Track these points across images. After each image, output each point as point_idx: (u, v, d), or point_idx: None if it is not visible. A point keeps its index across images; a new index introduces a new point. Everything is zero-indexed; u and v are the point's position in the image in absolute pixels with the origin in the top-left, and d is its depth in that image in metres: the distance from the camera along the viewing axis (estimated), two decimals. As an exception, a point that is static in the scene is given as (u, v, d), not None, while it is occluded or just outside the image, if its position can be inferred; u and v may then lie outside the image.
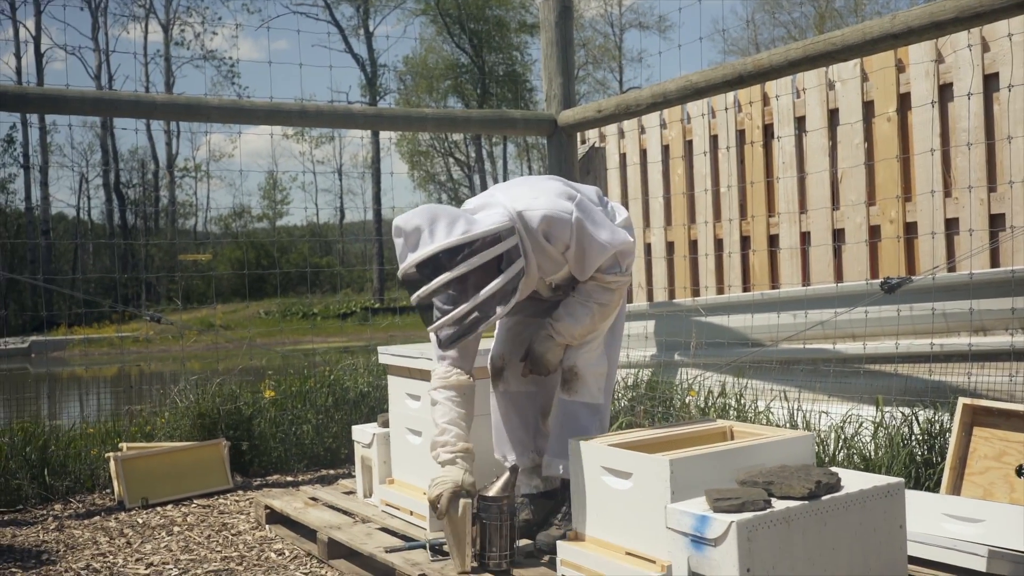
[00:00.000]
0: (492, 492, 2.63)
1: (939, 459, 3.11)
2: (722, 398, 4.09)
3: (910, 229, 4.04)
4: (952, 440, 2.96)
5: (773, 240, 4.68)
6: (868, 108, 4.23)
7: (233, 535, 3.57)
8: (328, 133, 36.73)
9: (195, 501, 4.15)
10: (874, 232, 4.19)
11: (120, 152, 36.44)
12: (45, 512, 4.03)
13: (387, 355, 3.42)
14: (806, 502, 2.08)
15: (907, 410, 3.34)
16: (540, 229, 2.63)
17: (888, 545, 2.20)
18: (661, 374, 4.73)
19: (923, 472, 3.12)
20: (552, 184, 2.77)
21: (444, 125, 7.04)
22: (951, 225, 3.88)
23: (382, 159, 34.09)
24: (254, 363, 6.28)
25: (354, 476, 3.71)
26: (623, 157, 5.63)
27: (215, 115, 4.62)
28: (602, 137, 5.74)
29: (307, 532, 3.39)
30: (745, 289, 4.78)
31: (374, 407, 4.79)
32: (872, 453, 3.30)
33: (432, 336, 2.75)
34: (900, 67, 4.08)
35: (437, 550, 2.81)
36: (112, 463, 4.13)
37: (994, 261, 3.71)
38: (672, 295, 5.26)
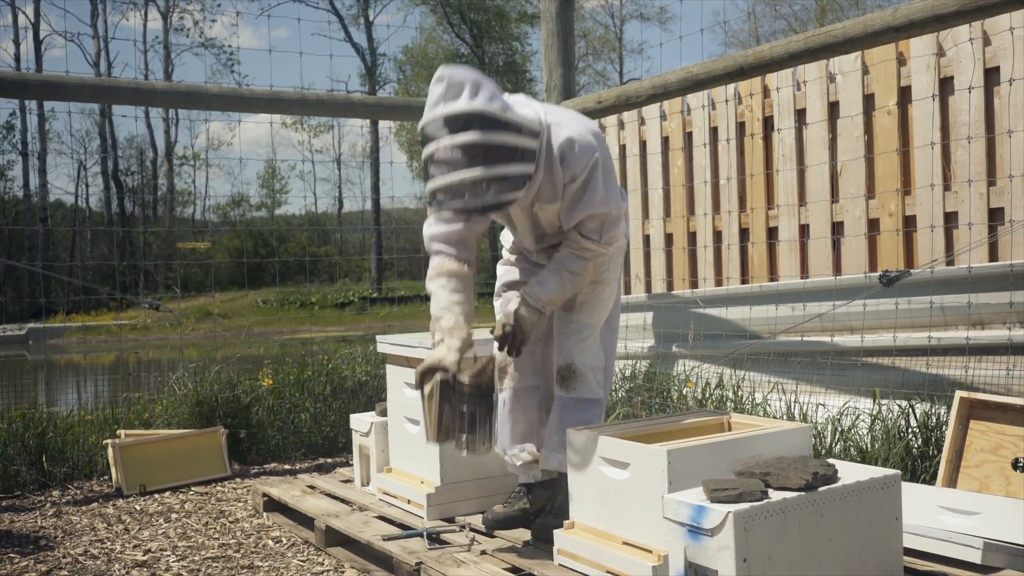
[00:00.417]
0: (464, 377, 2.58)
1: (935, 452, 3.12)
2: (719, 390, 4.10)
3: (909, 222, 4.04)
4: (949, 433, 2.97)
5: (772, 232, 4.68)
6: (869, 101, 4.22)
7: (231, 522, 3.58)
8: (327, 122, 36.69)
9: (193, 488, 4.16)
10: (873, 225, 4.19)
11: (118, 140, 36.38)
12: (43, 498, 4.04)
13: (385, 344, 3.43)
14: (803, 493, 2.09)
15: (904, 403, 3.35)
16: (560, 147, 2.60)
17: (884, 537, 2.21)
18: (659, 365, 4.73)
19: (919, 465, 3.13)
20: (589, 121, 2.76)
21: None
22: (950, 219, 3.88)
23: (381, 149, 34.05)
24: (252, 351, 6.28)
25: (352, 465, 3.72)
26: (623, 148, 5.62)
27: (215, 103, 4.61)
28: (602, 128, 5.73)
29: (305, 520, 3.40)
30: (744, 281, 4.78)
31: (372, 396, 4.80)
32: (869, 446, 3.31)
33: (430, 223, 2.75)
34: (901, 60, 4.08)
35: (434, 538, 2.82)
36: (110, 450, 4.13)
37: (993, 255, 3.71)
38: (670, 287, 5.26)
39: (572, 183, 2.63)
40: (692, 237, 5.15)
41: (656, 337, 5.03)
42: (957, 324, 3.67)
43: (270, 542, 3.30)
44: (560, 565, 2.51)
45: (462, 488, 3.10)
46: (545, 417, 2.94)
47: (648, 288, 5.40)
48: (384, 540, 2.84)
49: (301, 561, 3.06)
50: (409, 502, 3.15)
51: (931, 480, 3.03)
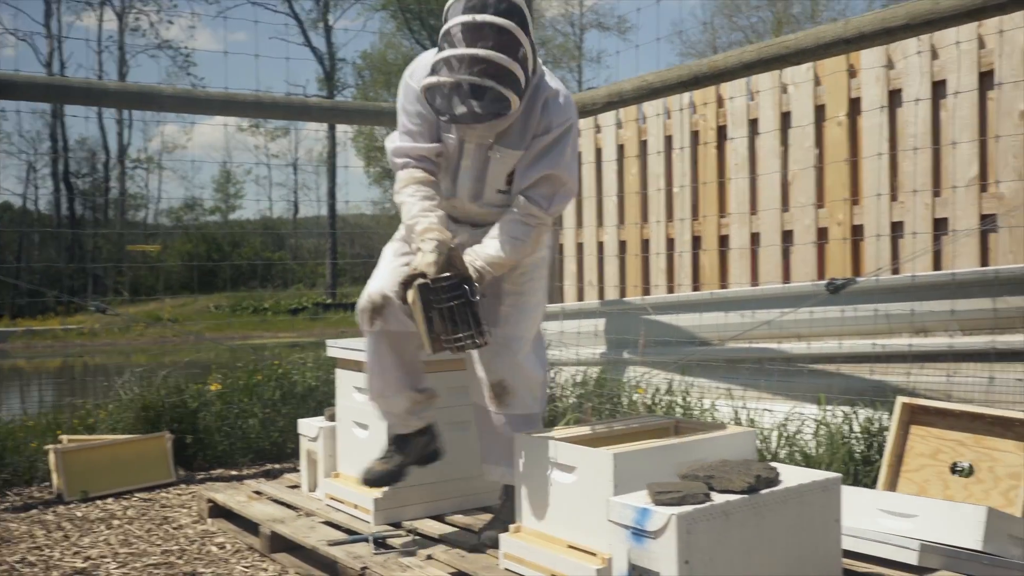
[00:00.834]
0: (430, 276, 2.46)
1: (877, 456, 3.16)
2: (669, 396, 4.12)
3: (857, 231, 4.10)
4: (890, 438, 3.01)
5: (724, 240, 4.73)
6: (820, 112, 4.28)
7: (174, 529, 3.52)
8: (283, 126, 36.39)
9: (136, 494, 4.09)
10: (822, 234, 4.25)
11: (70, 142, 35.75)
12: (-19, 504, 3.94)
13: (336, 348, 3.40)
14: (745, 496, 2.10)
15: (848, 409, 3.39)
16: (546, 95, 2.58)
17: (824, 538, 2.23)
18: (610, 372, 4.75)
19: (862, 469, 3.17)
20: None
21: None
22: (896, 228, 3.95)
23: (338, 154, 33.84)
24: (201, 357, 6.20)
25: (300, 470, 3.68)
26: (578, 156, 5.64)
27: (168, 104, 4.54)
28: (557, 135, 5.74)
29: (250, 526, 3.35)
30: (695, 288, 4.82)
31: (322, 401, 4.76)
32: (814, 450, 3.34)
33: (393, 139, 2.74)
34: (852, 72, 4.14)
35: (380, 543, 2.80)
36: (51, 455, 4.05)
37: (937, 264, 3.78)
38: (623, 293, 5.28)
39: (544, 135, 2.58)
40: (645, 244, 5.18)
41: (608, 343, 5.04)
42: (901, 331, 3.73)
43: (214, 548, 3.25)
44: (506, 570, 2.50)
45: (409, 493, 3.08)
46: (420, 361, 2.86)
47: (601, 294, 5.42)
48: (329, 545, 2.81)
49: (245, 567, 3.01)
50: (356, 507, 3.13)
51: (873, 484, 3.07)
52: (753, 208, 4.58)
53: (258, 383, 4.86)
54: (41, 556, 3.18)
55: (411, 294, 2.47)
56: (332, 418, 3.44)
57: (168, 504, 3.92)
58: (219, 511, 3.60)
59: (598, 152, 5.49)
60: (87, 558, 3.15)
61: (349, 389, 3.29)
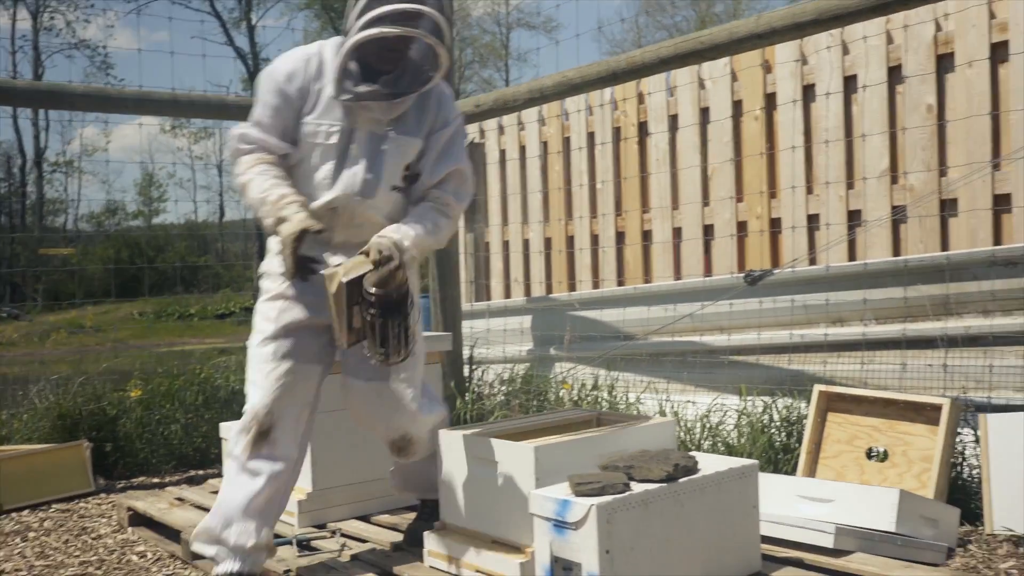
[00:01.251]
0: (371, 285, 2.29)
1: (797, 444, 3.22)
2: (595, 391, 4.15)
3: (775, 224, 4.18)
4: (808, 425, 3.08)
5: (647, 235, 4.78)
6: (737, 107, 4.35)
7: (93, 539, 3.43)
8: (208, 127, 35.72)
9: (54, 505, 3.97)
10: (742, 227, 4.32)
11: (-17, 146, 34.63)
12: None
13: (255, 349, 3.34)
14: (664, 484, 2.12)
15: (768, 399, 3.45)
16: (438, 87, 2.52)
17: (743, 524, 2.27)
18: (536, 368, 4.76)
19: (782, 457, 3.23)
20: None
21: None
22: (813, 220, 4.03)
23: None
24: (121, 364, 6.05)
25: (223, 476, 3.61)
26: (503, 153, 5.66)
27: (80, 103, 4.42)
28: (482, 133, 5.75)
29: (172, 533, 3.28)
30: (620, 283, 4.86)
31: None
32: (736, 440, 3.40)
33: (243, 126, 2.48)
34: (767, 68, 4.22)
35: (305, 545, 2.76)
36: (-38, 467, 3.91)
37: (851, 255, 3.87)
38: (549, 290, 5.30)
39: (444, 128, 2.53)
40: (571, 240, 5.21)
41: (535, 340, 5.06)
42: (818, 322, 3.81)
43: (134, 557, 3.17)
44: (430, 567, 2.49)
45: (334, 494, 3.05)
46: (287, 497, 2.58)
47: (527, 291, 5.43)
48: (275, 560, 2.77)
49: (166, 575, 2.95)
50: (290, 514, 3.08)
51: (793, 471, 3.13)
52: (675, 203, 4.63)
53: (180, 388, 4.76)
54: (-49, 572, 3.08)
55: (334, 287, 2.28)
56: (254, 421, 3.38)
57: (87, 514, 3.81)
58: (140, 519, 3.51)
59: (522, 149, 5.51)
60: (1, 572, 3.05)
61: (271, 391, 3.23)
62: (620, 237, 4.93)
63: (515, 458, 2.31)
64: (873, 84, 3.78)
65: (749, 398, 3.52)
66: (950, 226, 3.59)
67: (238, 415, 4.51)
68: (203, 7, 33.61)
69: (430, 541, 2.52)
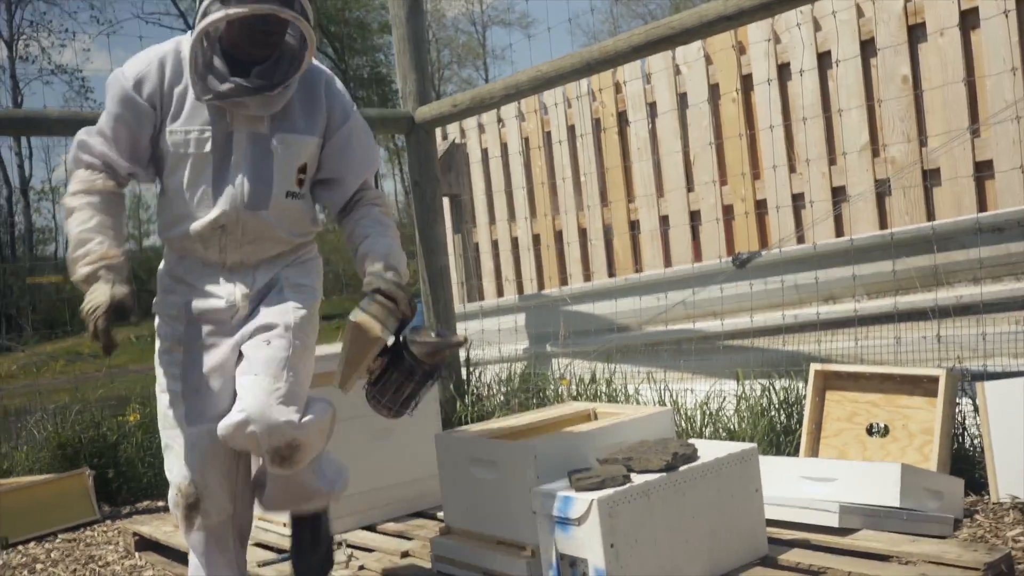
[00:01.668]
0: (418, 348, 2.12)
1: (798, 425, 3.22)
2: (593, 384, 4.15)
3: (761, 206, 4.18)
4: (807, 405, 3.08)
5: (634, 225, 4.78)
6: (714, 90, 4.35)
7: (101, 567, 3.42)
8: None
9: (59, 536, 3.95)
10: (728, 211, 4.32)
11: (-33, 178, 34.53)
12: None
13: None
14: (664, 474, 2.12)
15: (765, 381, 3.45)
16: (323, 78, 2.26)
17: (746, 509, 2.27)
18: (533, 366, 4.76)
19: (784, 439, 3.23)
20: None
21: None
22: (797, 199, 4.03)
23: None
24: (117, 388, 6.02)
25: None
26: (484, 152, 5.65)
27: (57, 128, 4.40)
28: (463, 133, 5.74)
29: (179, 556, 3.27)
30: (610, 275, 4.86)
31: (246, 422, 4.67)
32: (736, 426, 3.40)
33: (89, 131, 2.20)
34: (741, 49, 4.22)
35: (310, 559, 2.75)
36: (-36, 504, 3.89)
37: (839, 232, 3.88)
38: (541, 286, 5.30)
39: (347, 122, 2.26)
40: (559, 235, 5.20)
41: (530, 338, 5.06)
42: (810, 301, 3.81)
43: (142, 582, 3.17)
44: (439, 573, 2.49)
45: (340, 506, 3.03)
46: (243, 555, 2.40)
47: (520, 289, 5.43)
48: (260, 566, 2.77)
49: (175, 598, 2.95)
50: (285, 525, 3.07)
51: (796, 453, 3.13)
52: (659, 190, 4.63)
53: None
54: (-41, 610, 3.06)
55: (368, 337, 2.07)
56: (253, 438, 3.38)
57: (93, 542, 3.80)
58: (147, 544, 3.50)
59: (503, 146, 5.50)
60: (9, 607, 3.04)
61: (268, 407, 3.23)
62: (608, 229, 4.93)
63: (514, 457, 2.31)
64: (847, 58, 3.78)
65: (747, 382, 3.52)
66: (934, 196, 3.59)
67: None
68: (175, 24, 33.47)
69: (437, 545, 2.52)
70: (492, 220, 5.64)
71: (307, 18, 2.08)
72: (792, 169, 4.05)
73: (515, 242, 5.49)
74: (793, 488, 2.61)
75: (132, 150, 2.18)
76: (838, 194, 3.89)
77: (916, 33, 3.62)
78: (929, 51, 3.57)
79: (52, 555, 3.67)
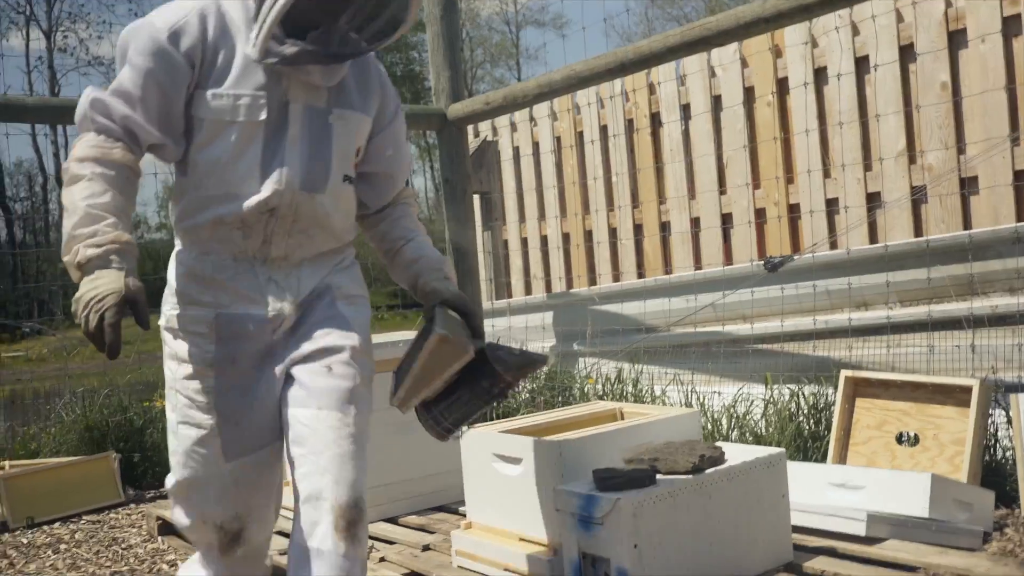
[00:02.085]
0: (503, 366, 1.95)
1: (826, 432, 3.19)
2: (619, 384, 4.13)
3: (794, 210, 4.15)
4: (836, 412, 3.04)
5: (665, 226, 4.75)
6: (749, 93, 4.31)
7: (124, 549, 3.45)
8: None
9: (84, 517, 3.99)
10: (760, 215, 4.29)
11: (5, 165, 35.00)
12: (-79, 538, 3.83)
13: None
14: (690, 476, 2.10)
15: (794, 386, 3.42)
16: (372, 60, 2.01)
17: (772, 515, 2.24)
18: (560, 364, 4.75)
19: (811, 445, 3.20)
20: None
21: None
22: (831, 205, 3.99)
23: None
24: (145, 375, 6.09)
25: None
26: (516, 150, 5.64)
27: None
28: (495, 131, 5.74)
29: (201, 541, 3.29)
30: (640, 276, 4.83)
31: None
32: (763, 430, 3.37)
33: (97, 90, 1.81)
34: (777, 52, 4.18)
35: (332, 550, 2.76)
36: (-7, 483, 3.94)
37: (872, 238, 3.83)
38: (569, 285, 5.29)
39: (397, 114, 2.05)
40: (588, 235, 5.19)
41: (556, 336, 5.04)
42: (841, 307, 3.77)
43: (164, 566, 3.19)
44: (459, 567, 2.48)
45: (360, 497, 3.04)
46: None
47: (548, 287, 5.42)
48: (280, 555, 2.77)
49: (196, 583, 2.96)
50: (307, 515, 3.08)
51: (823, 459, 3.10)
52: (691, 192, 4.60)
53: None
54: (-15, 587, 3.10)
55: (458, 353, 1.91)
56: (278, 427, 3.39)
57: (117, 525, 3.83)
58: (170, 528, 3.53)
59: (535, 145, 5.49)
60: (33, 586, 3.07)
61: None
62: (638, 229, 4.90)
63: (540, 454, 2.30)
64: (885, 63, 3.73)
65: (775, 386, 3.49)
66: (971, 204, 3.54)
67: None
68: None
69: (458, 540, 2.51)
70: (522, 218, 5.63)
71: None
72: (827, 174, 4.01)
73: (544, 240, 5.48)
74: (820, 495, 2.57)
75: (164, 116, 1.80)
76: (873, 200, 3.84)
77: (956, 39, 3.57)
78: (970, 58, 3.52)
79: (76, 536, 3.71)
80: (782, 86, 4.17)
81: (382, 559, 2.64)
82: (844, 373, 3.07)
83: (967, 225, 3.53)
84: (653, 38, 3.77)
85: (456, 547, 2.51)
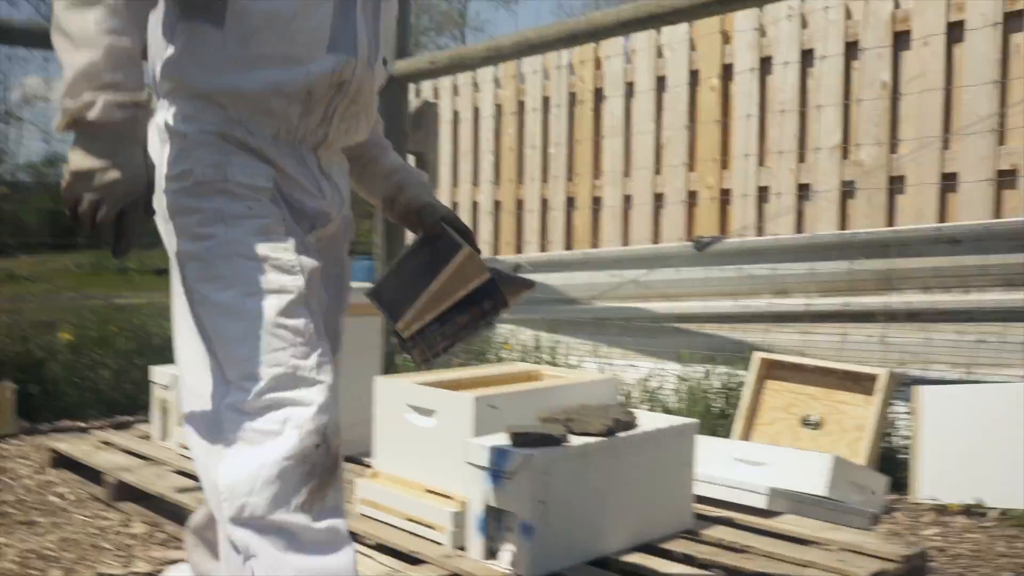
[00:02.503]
0: (507, 286, 1.79)
1: (734, 411, 3.23)
2: (536, 353, 4.13)
3: (726, 195, 4.18)
4: (746, 391, 3.08)
5: (597, 201, 4.75)
6: (694, 76, 4.32)
7: (12, 479, 3.32)
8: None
9: (-27, 445, 3.84)
10: (692, 197, 4.31)
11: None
12: None
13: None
14: (603, 439, 2.10)
15: (708, 366, 3.46)
16: None
17: (678, 482, 2.26)
18: (480, 329, 4.72)
19: (719, 422, 3.24)
20: None
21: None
22: (762, 192, 4.03)
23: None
24: (52, 312, 5.88)
25: (151, 420, 3.53)
26: (456, 114, 5.57)
27: (21, 38, 4.26)
28: (436, 93, 5.66)
29: (95, 476, 3.19)
30: (567, 248, 4.83)
31: (181, 353, 4.58)
32: (674, 405, 3.40)
33: None
34: (725, 38, 4.19)
35: (232, 490, 2.69)
36: None
37: (799, 229, 3.88)
38: (496, 251, 5.25)
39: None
40: (520, 203, 5.16)
41: (479, 302, 5.01)
42: (762, 292, 3.82)
43: (54, 498, 3.08)
44: (361, 515, 2.45)
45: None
46: None
47: (474, 254, 5.38)
48: (177, 492, 2.70)
49: (87, 516, 2.86)
50: (209, 455, 3.01)
51: (728, 436, 3.14)
52: (627, 170, 4.61)
53: (111, 334, 4.64)
54: None
55: (477, 269, 1.73)
56: (187, 365, 3.30)
57: (8, 455, 3.69)
58: (63, 461, 3.41)
59: (476, 110, 5.43)
60: (-88, 509, 2.94)
61: (205, 334, 3.15)
62: (570, 202, 4.89)
63: (454, 408, 2.27)
64: (830, 55, 3.78)
65: (690, 365, 3.52)
66: (897, 202, 3.61)
67: (171, 361, 4.42)
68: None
69: (362, 488, 2.47)
70: (455, 182, 5.57)
71: None
72: (761, 162, 4.05)
73: (475, 206, 5.43)
74: (725, 469, 2.61)
75: None
76: (803, 191, 3.89)
77: (901, 40, 3.62)
78: (911, 59, 3.58)
79: (-37, 463, 3.56)
80: (727, 71, 4.19)
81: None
82: (758, 354, 3.12)
83: (890, 222, 3.60)
84: (607, 11, 3.76)
85: (360, 495, 2.47)
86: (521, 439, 2.05)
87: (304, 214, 1.51)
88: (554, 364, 4.00)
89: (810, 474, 2.47)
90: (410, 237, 2.42)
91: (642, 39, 4.45)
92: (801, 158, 3.91)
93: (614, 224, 4.62)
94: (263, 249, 1.40)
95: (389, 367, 3.90)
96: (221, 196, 1.42)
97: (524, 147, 5.14)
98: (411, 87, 5.25)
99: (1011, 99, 3.30)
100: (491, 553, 2.07)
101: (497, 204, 5.30)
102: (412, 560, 2.17)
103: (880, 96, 3.64)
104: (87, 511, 2.92)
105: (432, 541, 2.22)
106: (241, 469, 1.34)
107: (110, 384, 4.47)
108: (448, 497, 2.26)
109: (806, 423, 2.98)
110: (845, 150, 3.76)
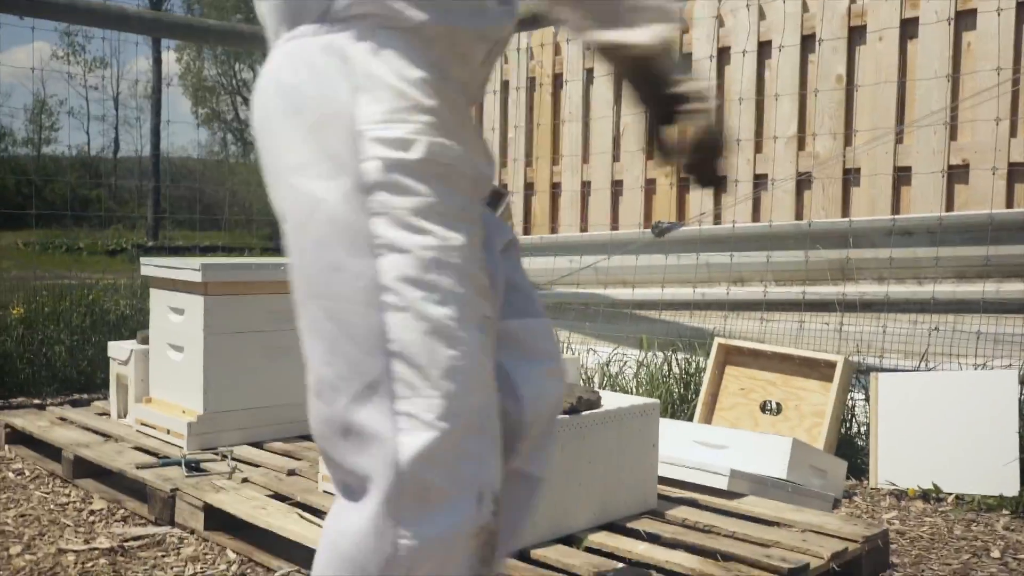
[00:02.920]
0: None
1: (695, 397, 3.29)
2: (497, 336, 4.15)
3: (683, 182, 4.23)
4: (706, 376, 3.14)
5: (556, 186, 4.78)
6: (654, 64, 4.36)
7: (-36, 456, 3.27)
8: (104, 57, 34.21)
9: (-78, 422, 3.76)
10: (650, 183, 4.36)
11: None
12: None
13: (150, 266, 3.23)
14: (567, 416, 2.13)
15: (668, 352, 3.51)
16: None
17: (641, 462, 2.30)
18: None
19: (679, 408, 3.29)
20: None
21: (229, 38, 6.67)
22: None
23: (165, 91, 32.12)
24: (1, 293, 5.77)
25: (109, 397, 3.49)
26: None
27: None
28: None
29: (53, 452, 3.15)
30: (525, 232, 4.86)
31: (136, 330, 4.51)
32: (634, 390, 3.44)
33: None
34: (684, 27, 4.24)
35: (193, 467, 2.69)
36: None
37: (756, 218, 3.95)
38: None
39: None
40: (479, 188, 5.17)
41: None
42: (720, 280, 3.88)
43: (10, 475, 3.04)
44: (324, 491, 2.45)
45: (226, 418, 2.97)
46: None
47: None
48: (138, 468, 2.68)
49: (44, 493, 2.83)
50: (169, 432, 2.99)
51: (689, 421, 3.19)
52: (585, 156, 4.64)
53: (65, 310, 4.57)
54: None
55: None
56: (145, 341, 3.28)
57: (-42, 433, 3.63)
58: (18, 437, 3.36)
59: (437, 93, 5.43)
60: None
61: (164, 310, 3.13)
62: (529, 187, 4.92)
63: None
64: (787, 46, 3.84)
65: (650, 351, 3.57)
66: (852, 194, 3.69)
67: (127, 338, 4.37)
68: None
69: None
70: (415, 164, 5.57)
71: None
72: (720, 151, 4.10)
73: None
74: (687, 451, 2.65)
75: None
76: (760, 180, 3.96)
77: (856, 34, 3.69)
78: (866, 53, 3.66)
79: (-89, 441, 3.49)
80: (685, 60, 4.24)
81: (245, 480, 2.58)
82: (717, 340, 3.17)
83: (845, 213, 3.68)
84: (569, -7, 3.77)
85: (323, 472, 2.47)
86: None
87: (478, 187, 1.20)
88: (514, 347, 4.03)
89: (770, 457, 2.53)
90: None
91: (605, 26, 4.48)
92: (758, 149, 3.97)
93: (573, 210, 4.65)
94: (473, 267, 1.10)
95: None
96: (421, 181, 1.08)
97: (483, 130, 5.15)
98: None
99: (963, 94, 3.39)
100: (457, 529, 2.09)
101: (457, 188, 5.31)
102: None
103: (836, 88, 3.72)
104: (45, 488, 2.88)
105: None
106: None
107: (64, 361, 4.41)
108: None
109: (765, 409, 3.04)
110: (801, 141, 3.83)
